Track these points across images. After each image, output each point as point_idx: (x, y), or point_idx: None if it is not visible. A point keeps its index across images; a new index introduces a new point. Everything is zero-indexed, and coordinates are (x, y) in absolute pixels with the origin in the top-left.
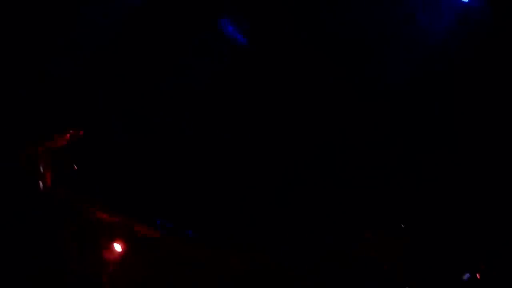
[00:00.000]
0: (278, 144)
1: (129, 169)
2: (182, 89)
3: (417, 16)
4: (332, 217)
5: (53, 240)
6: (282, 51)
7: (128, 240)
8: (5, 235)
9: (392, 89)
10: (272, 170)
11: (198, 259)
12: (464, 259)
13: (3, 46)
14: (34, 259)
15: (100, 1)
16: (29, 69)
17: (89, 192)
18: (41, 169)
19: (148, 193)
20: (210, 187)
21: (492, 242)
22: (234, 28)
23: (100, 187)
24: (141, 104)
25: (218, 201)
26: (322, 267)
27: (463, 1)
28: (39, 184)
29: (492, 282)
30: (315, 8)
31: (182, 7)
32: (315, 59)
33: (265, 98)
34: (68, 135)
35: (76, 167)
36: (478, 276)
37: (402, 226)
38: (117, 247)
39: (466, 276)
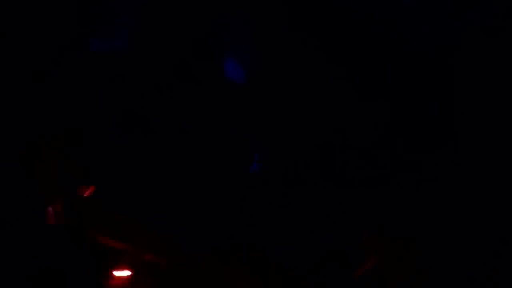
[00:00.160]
0: (278, 144)
1: (129, 169)
2: (182, 89)
3: (417, 16)
4: (332, 217)
5: (53, 241)
6: (281, 51)
7: (134, 267)
8: (5, 235)
9: (392, 89)
10: (272, 170)
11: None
12: (464, 259)
13: (3, 46)
14: (34, 259)
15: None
16: (29, 69)
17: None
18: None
19: (148, 193)
20: (210, 187)
21: (492, 242)
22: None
23: (101, 187)
24: (141, 104)
25: (218, 201)
26: (322, 267)
27: (463, 1)
28: (48, 213)
29: (492, 282)
30: (315, 8)
31: (181, 7)
32: (315, 59)
33: (265, 98)
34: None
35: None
36: (477, 276)
37: (402, 226)
38: (123, 273)
39: (466, 276)
